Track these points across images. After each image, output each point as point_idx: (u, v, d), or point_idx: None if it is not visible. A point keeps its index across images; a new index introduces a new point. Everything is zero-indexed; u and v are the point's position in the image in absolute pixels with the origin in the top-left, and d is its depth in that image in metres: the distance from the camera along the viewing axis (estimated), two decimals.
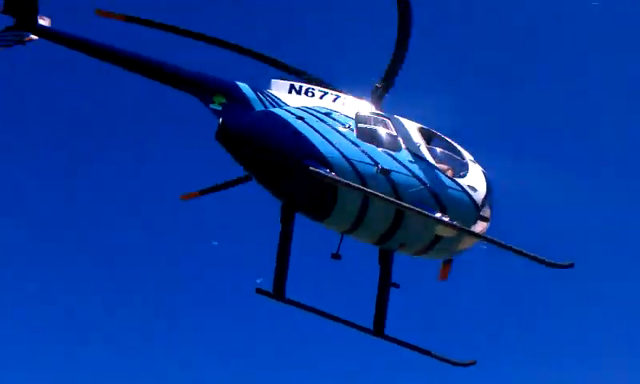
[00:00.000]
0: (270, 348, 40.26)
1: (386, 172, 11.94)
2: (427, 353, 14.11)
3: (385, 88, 14.15)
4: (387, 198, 11.72)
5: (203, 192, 16.74)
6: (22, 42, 12.26)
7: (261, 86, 13.52)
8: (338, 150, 11.95)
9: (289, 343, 39.05)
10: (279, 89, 13.47)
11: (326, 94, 13.68)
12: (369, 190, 11.69)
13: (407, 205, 11.86)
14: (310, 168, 11.39)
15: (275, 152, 11.98)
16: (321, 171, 11.48)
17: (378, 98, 14.23)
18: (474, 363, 14.76)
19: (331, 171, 11.57)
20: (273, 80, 13.63)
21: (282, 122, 12.25)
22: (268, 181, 12.58)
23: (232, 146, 12.36)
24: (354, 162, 11.88)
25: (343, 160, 11.84)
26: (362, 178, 11.86)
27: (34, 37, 12.13)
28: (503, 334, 40.67)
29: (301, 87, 13.56)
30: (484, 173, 13.92)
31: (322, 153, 11.83)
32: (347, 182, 11.60)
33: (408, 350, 14.01)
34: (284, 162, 12.00)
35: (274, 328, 37.03)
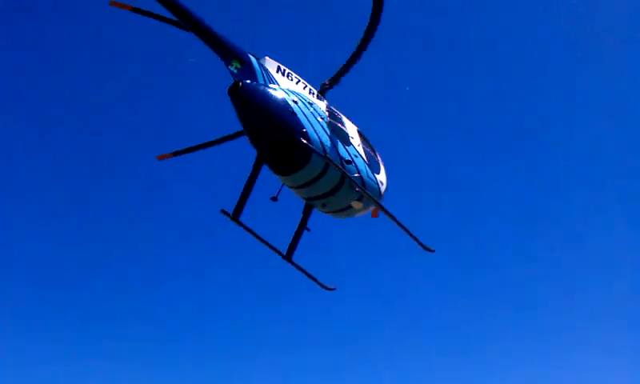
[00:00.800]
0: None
1: (346, 162, 16.53)
2: (313, 278, 19.58)
3: (331, 85, 17.72)
4: (352, 178, 16.17)
5: (178, 153, 19.88)
6: None
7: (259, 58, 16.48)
8: (318, 136, 15.80)
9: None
10: (270, 66, 15.94)
11: (299, 81, 16.71)
12: (347, 174, 15.97)
13: (360, 186, 16.61)
14: (328, 157, 15.26)
15: (276, 123, 14.81)
16: (332, 161, 15.45)
17: (323, 93, 17.69)
18: (334, 289, 20.68)
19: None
20: (266, 57, 16.21)
21: (284, 102, 15.25)
22: (260, 141, 15.38)
23: (240, 103, 14.69)
24: (326, 148, 16.10)
25: (320, 145, 15.92)
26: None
27: None
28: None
29: (284, 70, 16.13)
30: (385, 173, 19.37)
31: (309, 135, 15.36)
32: (339, 167, 15.68)
33: (302, 274, 19.38)
34: (281, 133, 14.86)
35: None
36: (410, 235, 17.28)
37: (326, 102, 17.58)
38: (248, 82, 15.02)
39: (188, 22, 14.74)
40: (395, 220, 17.04)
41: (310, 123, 15.60)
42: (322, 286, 19.89)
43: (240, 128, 15.75)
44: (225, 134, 18.95)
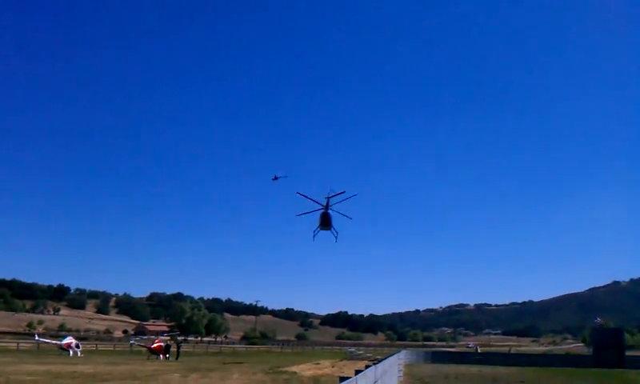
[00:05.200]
0: None
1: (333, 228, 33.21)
2: None
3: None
4: (334, 231, 33.60)
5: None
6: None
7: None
8: (333, 222, 33.19)
9: None
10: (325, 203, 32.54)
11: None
12: (333, 229, 33.11)
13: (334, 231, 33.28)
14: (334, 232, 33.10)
15: (329, 223, 32.42)
16: (333, 228, 33.01)
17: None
18: None
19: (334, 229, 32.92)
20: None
21: (331, 218, 32.69)
22: (324, 222, 32.38)
23: (326, 216, 32.33)
24: (333, 224, 33.18)
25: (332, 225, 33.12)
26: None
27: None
28: None
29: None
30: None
31: (333, 225, 32.93)
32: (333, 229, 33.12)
33: None
34: (329, 223, 32.48)
35: None
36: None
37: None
38: (329, 211, 32.85)
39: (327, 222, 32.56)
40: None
41: (333, 217, 33.45)
42: None
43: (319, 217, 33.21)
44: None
